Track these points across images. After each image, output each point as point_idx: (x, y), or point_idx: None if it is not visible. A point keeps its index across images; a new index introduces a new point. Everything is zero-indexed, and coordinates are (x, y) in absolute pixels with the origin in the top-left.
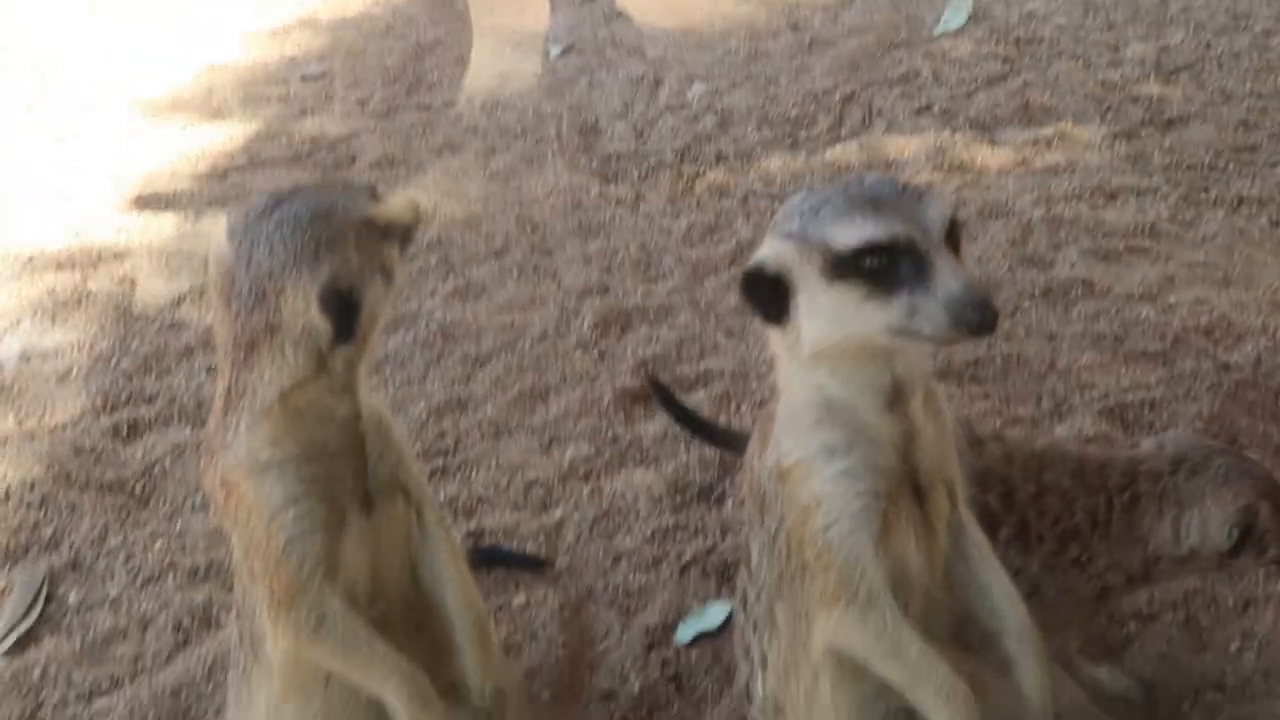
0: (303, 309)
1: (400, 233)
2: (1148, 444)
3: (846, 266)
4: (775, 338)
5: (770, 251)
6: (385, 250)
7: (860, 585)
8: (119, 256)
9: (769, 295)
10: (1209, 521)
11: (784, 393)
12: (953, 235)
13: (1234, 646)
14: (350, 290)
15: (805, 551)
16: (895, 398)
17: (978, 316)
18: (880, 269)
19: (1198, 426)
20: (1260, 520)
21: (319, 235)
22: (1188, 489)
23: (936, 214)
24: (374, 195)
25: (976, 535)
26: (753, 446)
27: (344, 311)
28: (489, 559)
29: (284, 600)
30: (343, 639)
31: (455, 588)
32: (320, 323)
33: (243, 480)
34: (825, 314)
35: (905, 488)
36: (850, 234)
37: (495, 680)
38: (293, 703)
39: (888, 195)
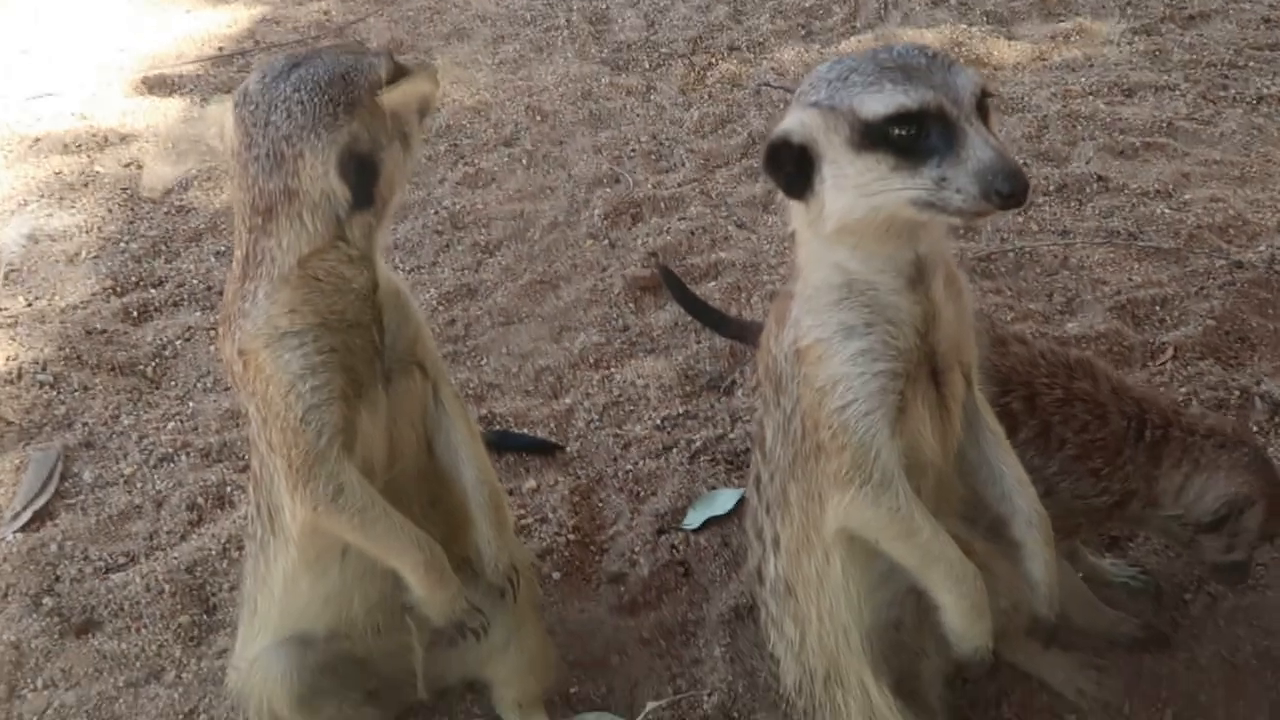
0: (321, 173)
1: (418, 100)
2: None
3: (875, 136)
4: (798, 213)
5: (795, 121)
6: (404, 116)
7: (874, 466)
8: (125, 140)
9: (793, 168)
10: (1208, 492)
11: (804, 272)
12: (982, 108)
13: None
14: (369, 155)
15: (820, 432)
16: (917, 277)
17: (1008, 186)
18: (909, 138)
19: (1209, 324)
20: (1247, 516)
21: (337, 98)
22: (1210, 456)
23: (967, 83)
24: (392, 60)
25: (991, 422)
26: (769, 327)
27: (362, 177)
28: (500, 444)
29: (301, 470)
30: (360, 509)
31: (471, 463)
32: (338, 188)
33: (261, 350)
34: (851, 186)
35: (923, 370)
36: (879, 102)
37: (509, 555)
38: (309, 574)
39: (918, 63)
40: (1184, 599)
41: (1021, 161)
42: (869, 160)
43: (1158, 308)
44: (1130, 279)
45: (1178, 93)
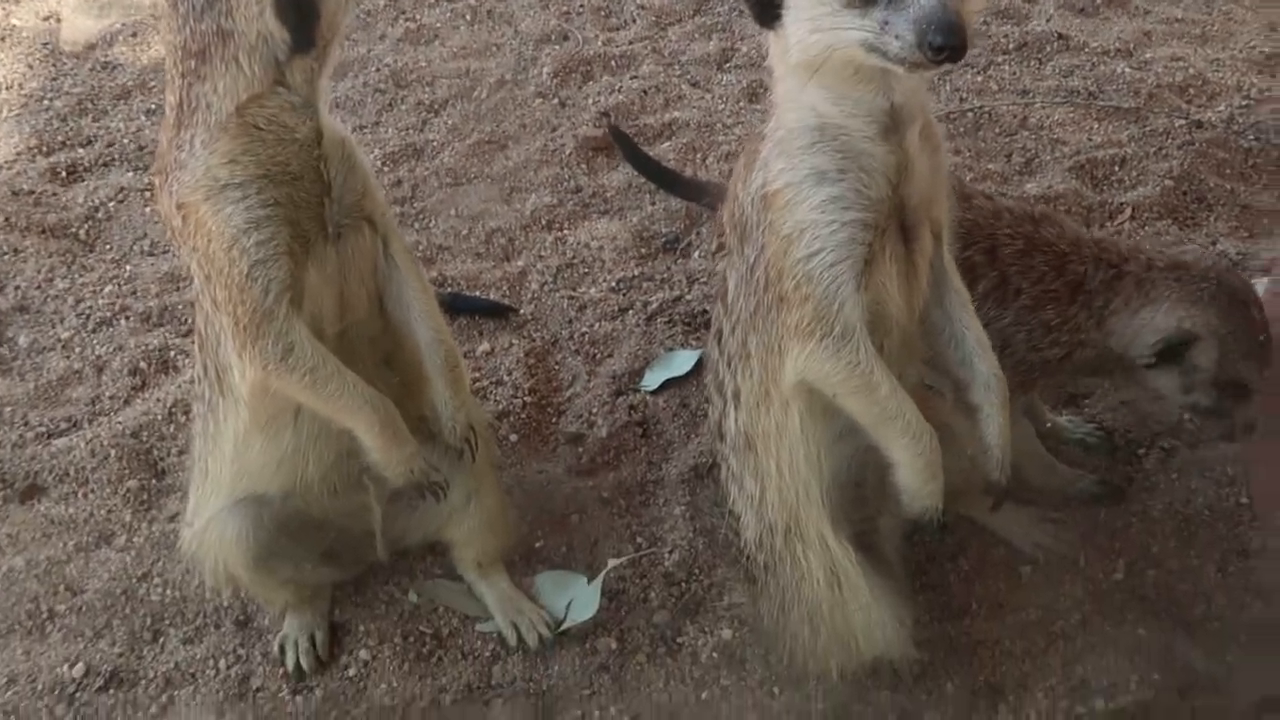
0: (256, 13)
1: None
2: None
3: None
4: (773, 47)
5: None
6: None
7: (837, 318)
8: None
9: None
10: (1147, 325)
11: (777, 114)
12: None
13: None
14: None
15: (784, 282)
16: (891, 126)
17: (940, 39)
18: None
19: (1167, 185)
20: (1196, 353)
21: None
22: (1160, 290)
23: None
24: None
25: (956, 283)
26: (738, 170)
27: (302, 17)
28: (453, 306)
29: (249, 328)
30: (311, 368)
31: (425, 320)
32: (276, 28)
33: (201, 203)
34: (807, 19)
35: (893, 224)
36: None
37: (466, 415)
38: (262, 436)
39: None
40: (1138, 454)
41: (980, 20)
42: None
43: (1116, 168)
44: (1089, 139)
45: None
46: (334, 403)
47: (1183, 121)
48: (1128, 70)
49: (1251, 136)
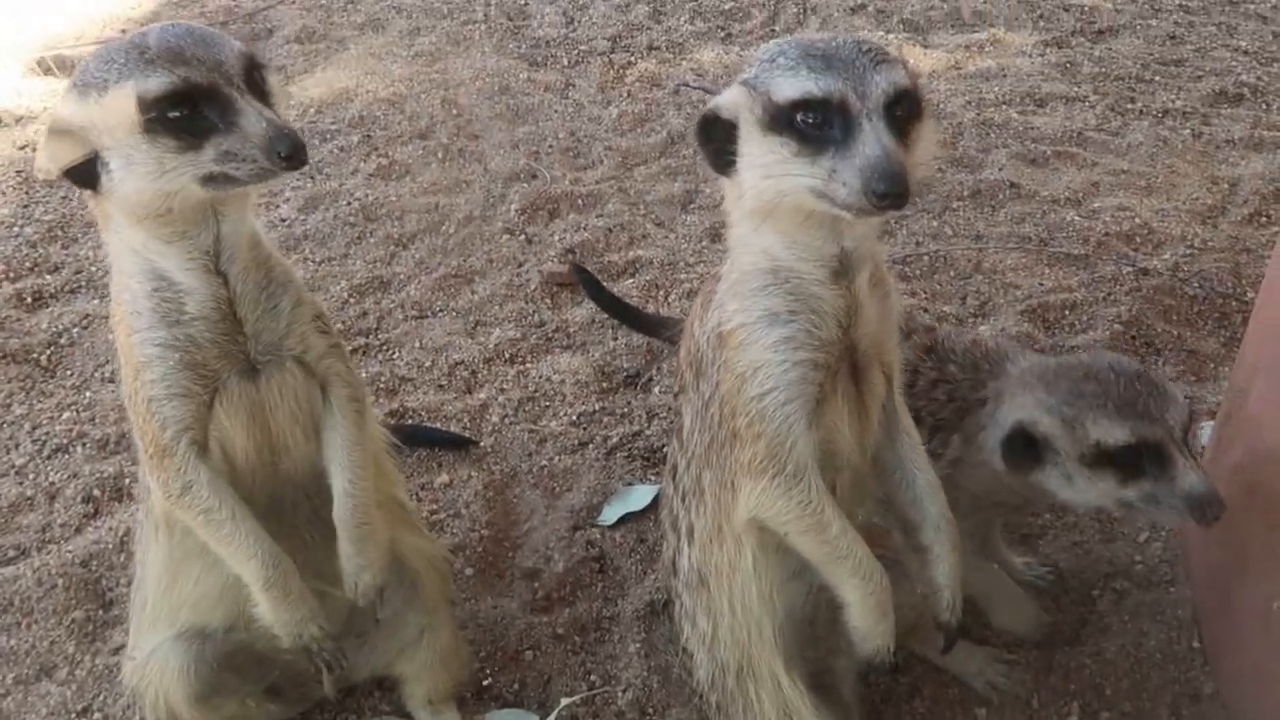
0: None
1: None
2: (1040, 358)
3: (782, 119)
4: (728, 193)
5: (726, 97)
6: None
7: (789, 457)
8: (20, 121)
9: (722, 143)
10: (994, 434)
11: (732, 256)
12: (904, 107)
13: (1142, 537)
14: None
15: (737, 419)
16: (841, 270)
17: (883, 187)
18: (813, 126)
19: (1116, 329)
20: (1049, 440)
21: None
22: (1010, 394)
23: (884, 81)
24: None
25: (907, 423)
26: (694, 310)
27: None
28: (412, 438)
29: (154, 459)
30: (205, 510)
31: (342, 472)
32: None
33: (118, 324)
34: (759, 165)
35: (844, 365)
36: (791, 87)
37: (373, 575)
38: (198, 565)
39: (843, 54)
40: (1091, 594)
41: (937, 167)
42: (774, 142)
43: (1067, 312)
44: (1041, 284)
45: (1087, 104)
46: (225, 549)
47: (1130, 269)
48: (1077, 219)
49: (1196, 284)
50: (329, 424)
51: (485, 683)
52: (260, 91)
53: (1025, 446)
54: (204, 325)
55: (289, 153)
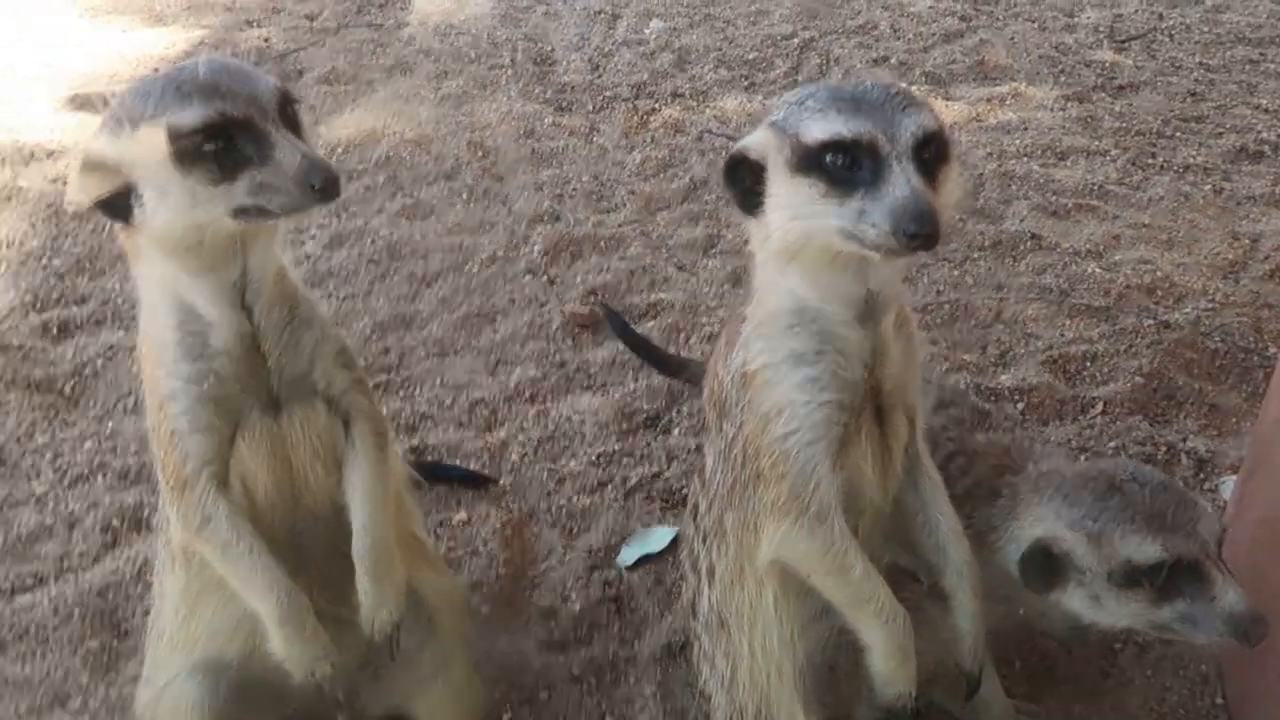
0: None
1: None
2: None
3: (811, 161)
4: (754, 234)
5: (754, 139)
6: None
7: (812, 498)
8: (52, 155)
9: (749, 184)
10: (1012, 547)
11: (758, 296)
12: (932, 150)
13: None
14: None
15: (761, 460)
16: (867, 311)
17: (914, 227)
18: (842, 168)
19: (1138, 381)
20: (1073, 557)
21: None
22: (1026, 502)
23: (913, 123)
24: None
25: (930, 468)
26: (718, 350)
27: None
28: (432, 475)
29: (175, 490)
30: (223, 544)
31: (362, 508)
32: None
33: (145, 355)
34: (787, 207)
35: (868, 406)
36: (820, 129)
37: (390, 611)
38: (215, 598)
39: (872, 97)
40: (1114, 647)
41: (957, 218)
42: (803, 184)
43: (1088, 363)
44: (1062, 335)
45: (1108, 158)
46: (241, 584)
47: (1151, 321)
48: (1098, 270)
49: (1218, 338)
50: (351, 459)
51: None
52: (294, 126)
53: (1045, 563)
54: (227, 360)
55: (323, 185)
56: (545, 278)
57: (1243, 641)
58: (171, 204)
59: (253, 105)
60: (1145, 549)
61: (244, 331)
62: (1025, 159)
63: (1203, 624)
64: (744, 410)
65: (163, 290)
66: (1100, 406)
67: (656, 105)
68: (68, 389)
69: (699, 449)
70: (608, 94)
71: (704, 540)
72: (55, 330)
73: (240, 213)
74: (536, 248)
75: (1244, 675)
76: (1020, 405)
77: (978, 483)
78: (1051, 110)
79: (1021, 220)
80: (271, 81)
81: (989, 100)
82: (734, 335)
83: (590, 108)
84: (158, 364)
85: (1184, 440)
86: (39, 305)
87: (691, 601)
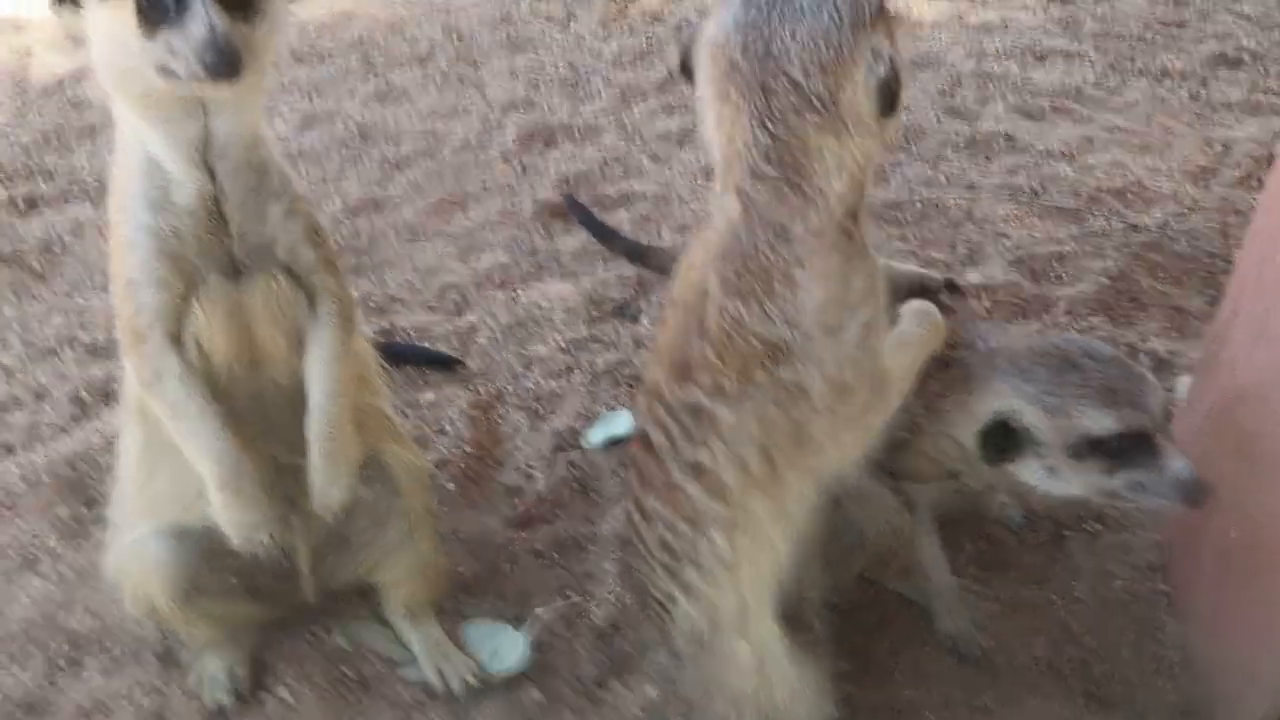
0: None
1: None
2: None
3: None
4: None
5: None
6: None
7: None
8: (17, 28)
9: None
10: (965, 421)
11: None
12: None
13: None
14: None
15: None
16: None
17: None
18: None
19: (1103, 283)
20: (1030, 431)
21: None
22: (980, 376)
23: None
24: None
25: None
26: None
27: None
28: (400, 355)
29: (129, 342)
30: (173, 402)
31: (320, 386)
32: None
33: (113, 199)
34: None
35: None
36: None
37: (342, 490)
38: (172, 461)
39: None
40: (1063, 534)
41: (934, 115)
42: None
43: (1056, 264)
44: (1031, 235)
45: (1087, 61)
46: (186, 443)
47: (1121, 224)
48: (1070, 172)
49: (1184, 243)
50: (313, 336)
51: (463, 594)
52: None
53: (1004, 437)
54: (187, 217)
55: (210, 64)
56: (518, 164)
57: (1190, 504)
58: (99, 46)
59: None
60: (1102, 421)
61: (205, 192)
62: (1004, 59)
63: (1152, 490)
64: None
65: (131, 137)
66: (1064, 306)
67: None
68: (35, 263)
69: None
70: None
71: None
72: (22, 205)
73: (162, 71)
74: (510, 134)
75: (1185, 562)
76: (986, 304)
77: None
78: (1033, 11)
79: (997, 120)
80: None
81: (970, 0)
82: None
83: None
84: (121, 210)
85: (1144, 341)
86: (6, 179)
87: None
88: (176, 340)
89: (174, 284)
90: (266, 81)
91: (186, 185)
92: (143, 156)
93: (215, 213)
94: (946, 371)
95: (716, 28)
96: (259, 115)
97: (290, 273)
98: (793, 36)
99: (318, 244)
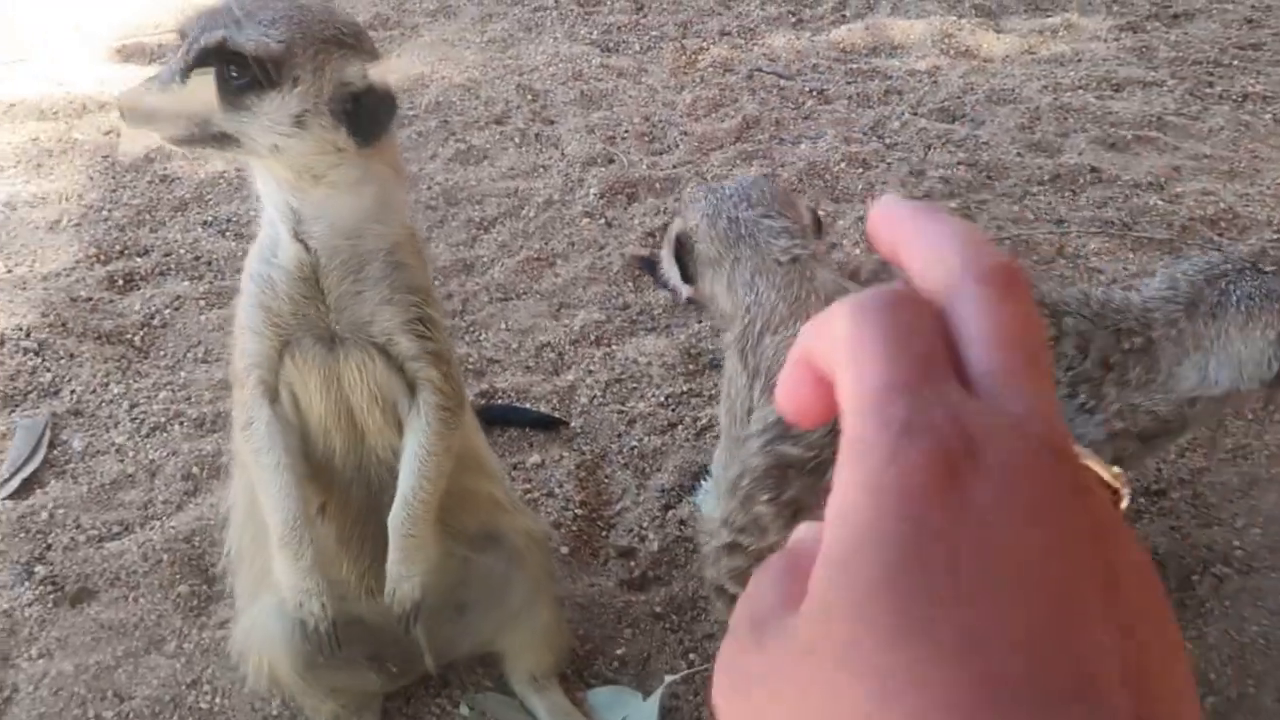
0: None
1: None
2: (1159, 280)
3: None
4: None
5: None
6: None
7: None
8: (103, 107)
9: None
10: (1245, 360)
11: None
12: None
13: (1240, 523)
14: None
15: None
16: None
17: None
18: None
19: None
20: None
21: None
22: (1209, 333)
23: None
24: None
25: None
26: None
27: None
28: (503, 418)
29: (234, 385)
30: (255, 449)
31: (409, 479)
32: None
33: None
34: None
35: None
36: None
37: (412, 587)
38: (258, 519)
39: None
40: (1190, 579)
41: (1015, 151)
42: None
43: None
44: (1126, 268)
45: (1165, 88)
46: (261, 493)
47: (1215, 253)
48: (1160, 203)
49: None
50: (410, 424)
51: (587, 660)
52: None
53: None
54: (285, 276)
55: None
56: (603, 220)
57: None
58: None
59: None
60: None
61: (303, 260)
62: (1081, 91)
63: None
64: None
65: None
66: None
67: (704, 44)
68: (138, 340)
69: None
70: (654, 34)
71: None
72: (121, 282)
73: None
74: (592, 190)
75: None
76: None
77: (1103, 352)
78: (1105, 41)
79: (1080, 153)
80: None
81: (1040, 32)
82: None
83: (637, 48)
84: (250, 255)
85: None
86: (103, 258)
87: None
88: (273, 392)
89: (269, 336)
90: (341, 173)
91: (286, 248)
92: (270, 209)
93: (312, 281)
94: (1166, 348)
95: None
96: (349, 203)
97: (387, 355)
98: None
99: (422, 335)
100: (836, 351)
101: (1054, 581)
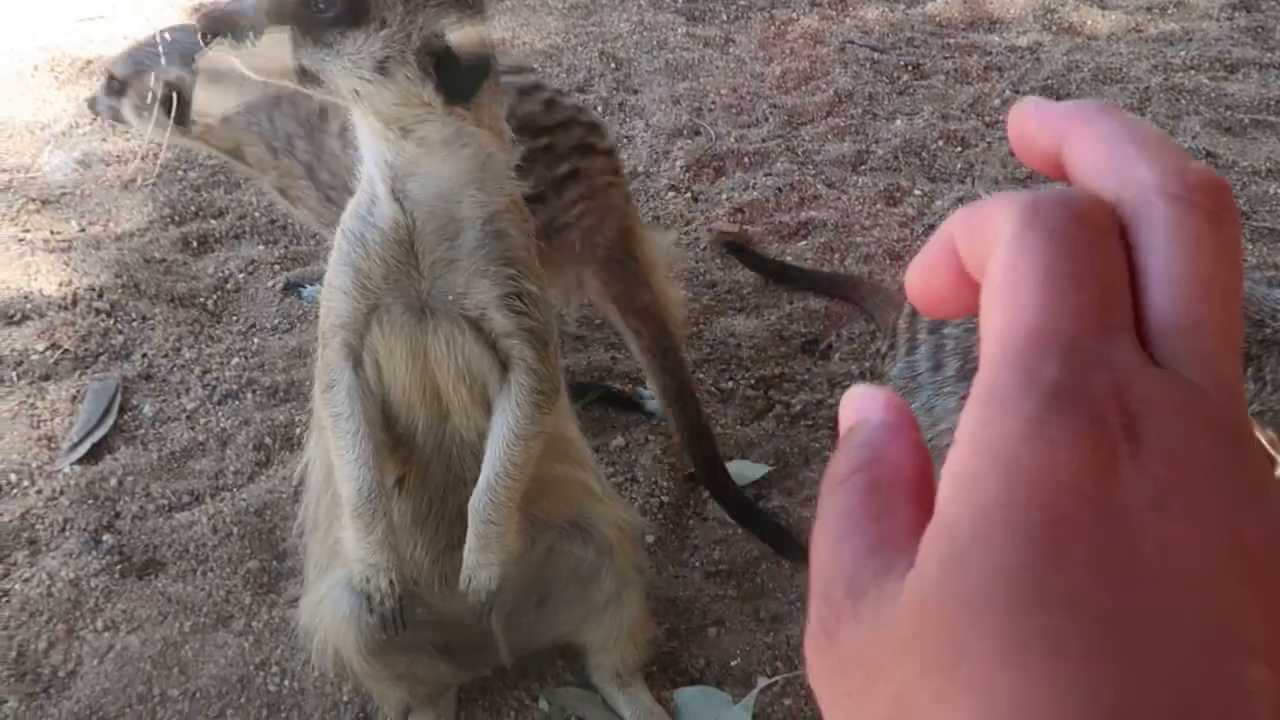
0: None
1: None
2: None
3: None
4: None
5: None
6: None
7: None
8: None
9: None
10: None
11: None
12: None
13: None
14: None
15: None
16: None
17: None
18: None
19: None
20: None
21: None
22: None
23: None
24: None
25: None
26: None
27: None
28: (588, 395)
29: (320, 344)
30: (334, 413)
31: (494, 463)
32: None
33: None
34: None
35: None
36: None
37: (489, 575)
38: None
39: None
40: None
41: None
42: None
43: None
44: (1244, 259)
45: None
46: (336, 460)
47: None
48: (1279, 191)
49: None
50: (499, 405)
51: (670, 657)
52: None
53: None
54: (379, 237)
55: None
56: (689, 194)
57: None
58: None
59: None
60: None
61: (400, 222)
62: (1193, 71)
63: None
64: None
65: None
66: None
67: (794, 15)
68: (211, 304)
69: (863, 375)
70: (742, 3)
71: None
72: (195, 244)
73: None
74: (679, 163)
75: None
76: None
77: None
78: (1217, 20)
79: (1194, 137)
80: None
81: (1149, 9)
82: None
83: (725, 18)
84: (346, 210)
85: None
86: (177, 218)
87: None
88: (358, 356)
89: (357, 298)
90: (431, 129)
91: (383, 206)
92: (368, 163)
93: (407, 244)
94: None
95: None
96: (444, 163)
97: (479, 330)
98: None
99: (518, 311)
100: (991, 260)
101: (1212, 608)
